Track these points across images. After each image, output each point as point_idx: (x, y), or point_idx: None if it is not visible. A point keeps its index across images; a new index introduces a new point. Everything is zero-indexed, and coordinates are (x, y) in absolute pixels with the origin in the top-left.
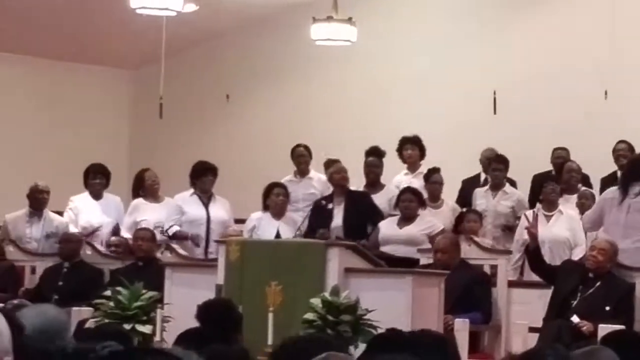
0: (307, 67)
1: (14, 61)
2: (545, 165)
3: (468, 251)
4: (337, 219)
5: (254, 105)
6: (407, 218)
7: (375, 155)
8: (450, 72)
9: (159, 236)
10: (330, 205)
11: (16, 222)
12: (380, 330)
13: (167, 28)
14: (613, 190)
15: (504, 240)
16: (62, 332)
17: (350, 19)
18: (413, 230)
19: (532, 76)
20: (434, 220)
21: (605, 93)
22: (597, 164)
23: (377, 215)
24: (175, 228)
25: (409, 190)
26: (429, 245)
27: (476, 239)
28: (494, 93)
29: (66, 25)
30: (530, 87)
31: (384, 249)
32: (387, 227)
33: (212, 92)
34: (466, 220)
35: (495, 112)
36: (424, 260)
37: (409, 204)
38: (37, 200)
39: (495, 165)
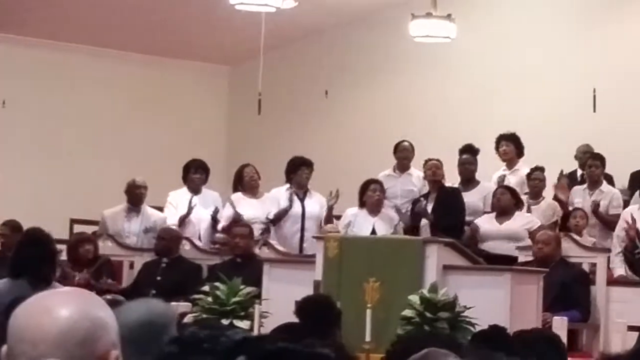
0: (406, 63)
1: (114, 58)
2: None
3: (567, 249)
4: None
5: (352, 101)
6: (501, 213)
7: (469, 152)
8: (550, 69)
9: (256, 233)
10: (424, 203)
11: (114, 217)
12: (478, 328)
13: (266, 24)
14: None
15: (602, 238)
16: (168, 326)
17: (449, 15)
18: (514, 225)
19: (632, 74)
20: (532, 216)
21: None
22: None
23: (462, 212)
24: (273, 211)
25: (502, 186)
26: (529, 242)
27: (576, 237)
28: (594, 91)
29: (165, 22)
30: (630, 85)
31: (484, 245)
32: (487, 223)
33: (310, 88)
34: (572, 217)
35: (594, 110)
36: (523, 257)
37: (500, 197)
38: (135, 196)
39: (592, 162)
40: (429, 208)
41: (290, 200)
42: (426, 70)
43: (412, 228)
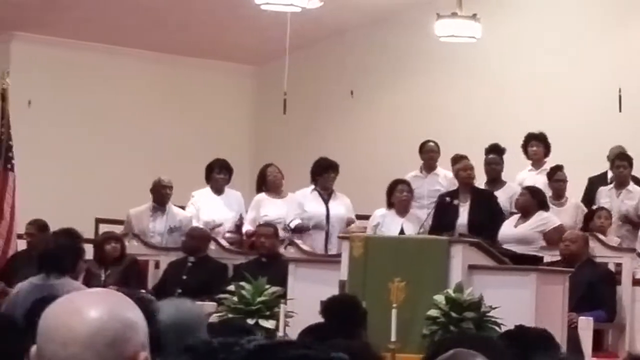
0: (431, 63)
1: (139, 57)
2: None
3: (593, 249)
4: (463, 217)
5: (377, 101)
6: (522, 215)
7: (495, 152)
8: (575, 70)
9: (281, 232)
10: (455, 202)
11: (140, 216)
12: (504, 328)
13: (291, 24)
14: None
15: (629, 239)
16: (198, 326)
17: (474, 15)
18: (525, 228)
19: None
20: (551, 216)
21: None
22: None
23: (499, 216)
24: (297, 221)
25: (526, 187)
26: (542, 243)
27: (601, 237)
28: (619, 91)
29: (190, 21)
30: None
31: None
32: (505, 226)
33: (336, 88)
34: (596, 217)
35: (620, 110)
36: (548, 257)
37: (519, 198)
38: (161, 195)
39: (619, 163)
40: (462, 209)
41: (318, 226)
42: (451, 70)
43: (436, 226)
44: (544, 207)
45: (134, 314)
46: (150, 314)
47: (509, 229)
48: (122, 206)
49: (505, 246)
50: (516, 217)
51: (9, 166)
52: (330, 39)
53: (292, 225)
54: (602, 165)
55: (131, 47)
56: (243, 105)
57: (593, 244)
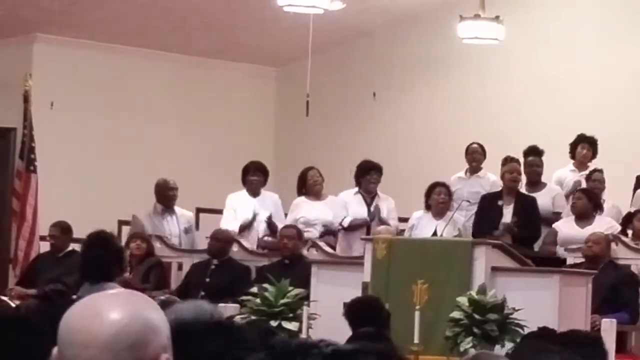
0: (454, 65)
1: (160, 58)
2: None
3: (616, 251)
4: (507, 217)
5: (400, 103)
6: (580, 217)
7: (534, 154)
8: (598, 71)
9: (316, 234)
10: (500, 202)
11: (151, 219)
12: (527, 330)
13: (313, 25)
14: None
15: None
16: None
17: (497, 17)
18: (596, 229)
19: None
20: (612, 220)
21: None
22: None
23: (539, 222)
24: (349, 219)
25: (581, 190)
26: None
27: (624, 238)
28: None
29: (213, 23)
30: None
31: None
32: (567, 228)
33: (358, 90)
34: (636, 220)
35: None
36: (571, 259)
37: (577, 202)
38: (167, 197)
39: None
40: (506, 211)
41: (372, 216)
42: (474, 72)
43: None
44: (599, 209)
45: (156, 316)
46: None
47: (573, 230)
48: (145, 208)
49: (571, 247)
50: (570, 218)
51: (31, 168)
52: (353, 40)
53: (345, 223)
54: (628, 166)
55: (153, 49)
56: (265, 107)
57: (616, 246)
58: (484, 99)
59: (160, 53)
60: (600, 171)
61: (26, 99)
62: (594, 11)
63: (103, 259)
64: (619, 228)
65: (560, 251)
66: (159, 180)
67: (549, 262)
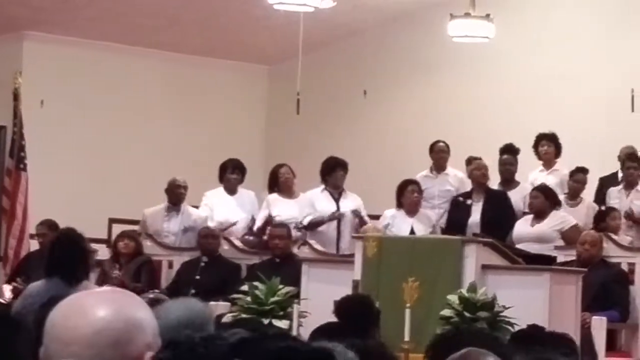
0: (444, 63)
1: (151, 56)
2: None
3: (606, 249)
4: (475, 215)
5: (390, 101)
6: (537, 215)
7: (509, 152)
8: (588, 70)
9: (294, 232)
10: (468, 201)
11: (155, 216)
12: (517, 328)
13: (304, 24)
14: None
15: (636, 240)
16: (206, 325)
17: (487, 15)
18: (543, 227)
19: None
20: (567, 216)
21: None
22: None
23: (512, 218)
24: (309, 218)
25: (537, 188)
26: (561, 242)
27: (614, 236)
28: (632, 91)
29: (204, 21)
30: None
31: (518, 247)
32: (520, 225)
33: (349, 88)
34: (610, 218)
35: (633, 110)
36: (562, 257)
37: (533, 201)
38: (175, 195)
39: (629, 164)
40: (475, 209)
41: (332, 217)
42: (464, 70)
43: (449, 227)
44: (557, 205)
45: (142, 314)
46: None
47: (525, 228)
48: (135, 206)
49: (521, 245)
50: (529, 216)
51: (21, 166)
52: (343, 38)
53: (305, 222)
54: (615, 166)
55: (143, 47)
56: (256, 105)
57: (606, 244)
58: (475, 96)
59: (151, 51)
60: (585, 171)
61: (16, 97)
62: (584, 10)
63: (69, 259)
64: (573, 222)
65: (549, 249)
66: (170, 179)
67: (540, 260)
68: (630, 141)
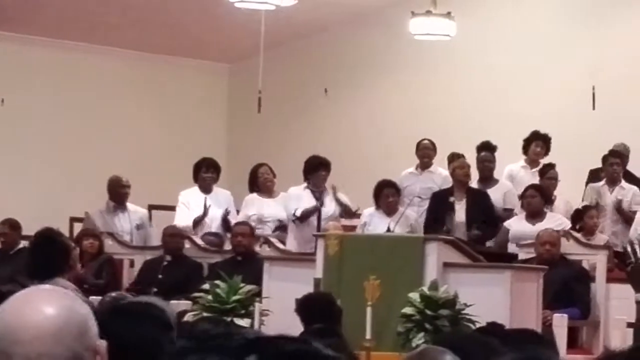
0: (406, 61)
1: (114, 55)
2: None
3: (567, 246)
4: (460, 214)
5: (352, 99)
6: (533, 215)
7: (487, 149)
8: (549, 67)
9: (269, 231)
10: (451, 199)
11: (102, 216)
12: (479, 325)
13: (265, 22)
14: None
15: (622, 235)
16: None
17: (449, 13)
18: (547, 227)
19: (632, 72)
20: (562, 217)
21: None
22: None
23: (493, 218)
24: (300, 209)
25: (532, 186)
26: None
27: (575, 234)
28: (593, 89)
29: (165, 20)
30: (629, 82)
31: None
32: (519, 225)
33: (310, 86)
34: (587, 217)
35: (594, 108)
36: (523, 255)
37: (531, 200)
38: (120, 194)
39: (612, 160)
40: (458, 207)
41: (321, 200)
42: (426, 68)
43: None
44: (550, 203)
45: (85, 307)
46: (167, 324)
47: (525, 227)
48: (97, 205)
49: (522, 243)
50: (522, 215)
51: None
52: (305, 37)
53: (298, 213)
54: (577, 163)
55: (106, 46)
56: (217, 103)
57: (567, 242)
58: (436, 94)
59: (112, 49)
60: (553, 167)
61: None
62: (545, 6)
63: (51, 257)
64: (570, 225)
65: (511, 247)
66: (112, 177)
67: (501, 258)
68: (591, 139)
